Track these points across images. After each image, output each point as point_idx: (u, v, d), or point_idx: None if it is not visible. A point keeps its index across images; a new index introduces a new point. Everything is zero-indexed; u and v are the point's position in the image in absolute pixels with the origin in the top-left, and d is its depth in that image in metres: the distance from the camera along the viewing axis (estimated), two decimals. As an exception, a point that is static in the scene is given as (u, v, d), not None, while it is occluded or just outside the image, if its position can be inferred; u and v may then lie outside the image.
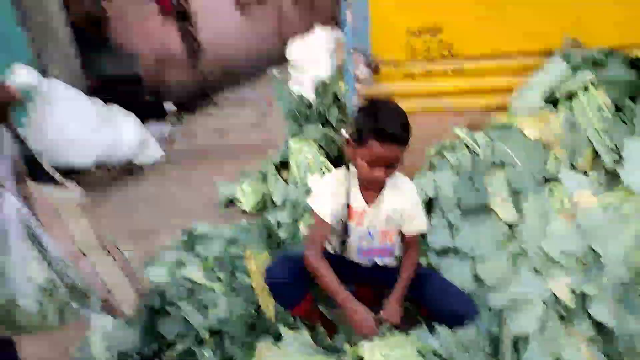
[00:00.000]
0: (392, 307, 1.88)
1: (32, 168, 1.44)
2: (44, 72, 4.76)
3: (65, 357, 2.31)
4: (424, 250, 2.46)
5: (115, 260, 1.80)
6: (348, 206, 1.92)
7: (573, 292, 1.85)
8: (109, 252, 1.77)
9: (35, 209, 1.37)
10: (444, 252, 2.33)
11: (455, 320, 1.98)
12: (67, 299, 1.40)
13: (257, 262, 2.37)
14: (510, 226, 2.22)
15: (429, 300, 2.02)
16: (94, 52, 5.91)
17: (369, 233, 1.99)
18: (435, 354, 1.74)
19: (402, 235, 2.05)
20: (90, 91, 5.40)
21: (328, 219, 1.89)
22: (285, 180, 3.71)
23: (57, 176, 1.53)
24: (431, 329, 1.81)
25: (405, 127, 1.71)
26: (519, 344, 1.89)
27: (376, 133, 1.66)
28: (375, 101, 1.91)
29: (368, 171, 1.75)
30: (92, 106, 4.68)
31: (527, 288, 1.94)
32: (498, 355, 1.93)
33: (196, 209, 3.95)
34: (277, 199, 3.50)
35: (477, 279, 2.16)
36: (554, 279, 1.89)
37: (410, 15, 2.81)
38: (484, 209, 2.32)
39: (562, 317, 1.86)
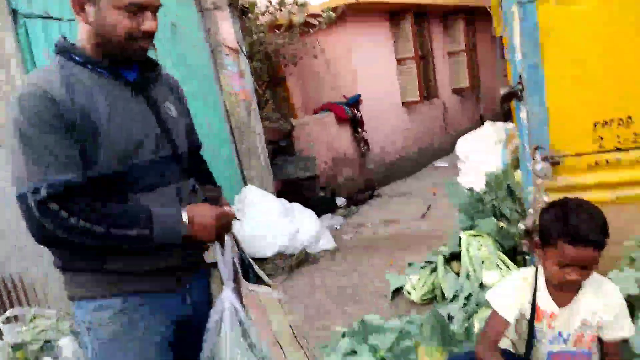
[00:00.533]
0: None
1: (243, 269, 1.66)
2: (244, 182, 5.79)
3: None
4: (627, 358, 2.10)
5: (305, 353, 1.92)
6: (534, 306, 1.80)
7: None
8: (300, 345, 1.90)
9: (244, 304, 1.56)
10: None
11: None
12: None
13: (429, 356, 2.31)
14: None
15: None
16: (281, 159, 6.92)
17: (559, 334, 1.81)
18: None
19: (600, 340, 1.81)
20: (277, 192, 6.26)
21: (506, 317, 1.78)
22: (457, 273, 3.62)
23: (262, 275, 1.73)
24: None
25: (601, 228, 1.58)
26: None
27: (568, 235, 1.56)
28: (565, 200, 1.76)
29: (559, 274, 1.63)
30: (278, 204, 5.38)
31: None
32: None
33: (365, 298, 4.06)
34: (448, 292, 3.40)
35: None
36: None
37: (598, 106, 2.68)
38: None
39: None
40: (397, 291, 3.95)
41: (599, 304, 1.72)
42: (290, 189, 6.64)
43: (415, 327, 2.87)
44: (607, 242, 1.58)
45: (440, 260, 3.74)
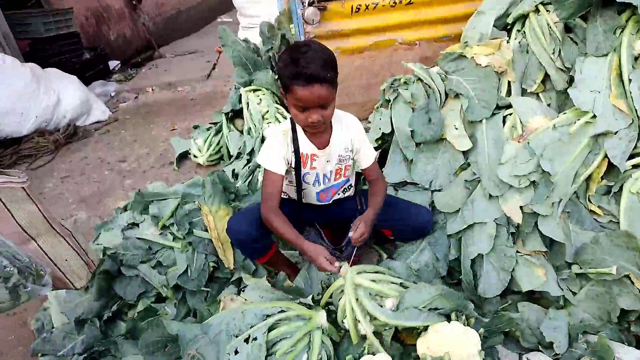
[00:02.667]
0: (360, 228, 1.79)
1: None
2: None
3: (24, 328, 2.23)
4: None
5: (64, 238, 1.71)
6: (298, 154, 1.87)
7: (524, 212, 1.88)
8: (57, 232, 1.69)
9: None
10: (401, 185, 2.33)
11: (418, 230, 2.05)
12: (21, 280, 1.40)
13: (213, 215, 2.29)
14: (465, 155, 2.21)
15: (392, 220, 2.05)
16: (24, 13, 5.43)
17: (324, 175, 1.96)
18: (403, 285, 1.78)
19: (359, 174, 2.03)
20: (24, 55, 5.02)
21: (276, 170, 1.83)
22: (241, 131, 3.60)
23: None
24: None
25: (327, 64, 1.59)
26: (476, 263, 1.94)
27: (296, 77, 1.56)
28: (294, 45, 1.72)
29: (303, 117, 1.67)
30: (26, 70, 4.31)
31: (481, 212, 1.96)
32: (456, 276, 1.99)
33: (150, 169, 3.80)
34: (233, 150, 3.39)
35: (434, 208, 2.17)
36: (506, 201, 1.91)
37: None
38: (440, 141, 2.30)
39: (514, 235, 1.90)
40: (184, 157, 3.79)
41: (348, 137, 1.91)
42: (42, 51, 5.40)
43: (198, 189, 2.81)
44: (337, 79, 1.64)
45: (223, 119, 3.64)
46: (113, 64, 6.63)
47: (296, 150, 1.85)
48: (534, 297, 1.88)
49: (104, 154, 4.17)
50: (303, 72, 1.54)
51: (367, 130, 2.84)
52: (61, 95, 4.42)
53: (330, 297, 1.85)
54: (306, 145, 1.85)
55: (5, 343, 2.19)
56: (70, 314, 2.10)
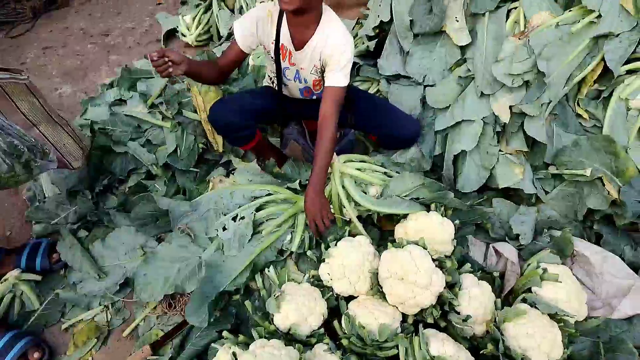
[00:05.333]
0: (309, 199, 1.71)
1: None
2: None
3: (15, 196, 2.30)
4: (374, 79, 2.41)
5: (61, 126, 1.85)
6: (278, 43, 1.79)
7: (512, 111, 1.90)
8: (55, 120, 1.82)
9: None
10: (394, 78, 2.29)
11: (402, 142, 2.07)
12: (31, 156, 1.55)
13: (203, 97, 2.26)
14: (462, 50, 2.15)
15: (379, 127, 2.06)
16: None
17: (304, 79, 1.91)
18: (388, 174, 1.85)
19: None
20: None
21: (238, 41, 1.78)
22: (232, 10, 3.39)
23: None
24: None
25: None
26: (458, 160, 2.00)
27: None
28: None
29: None
30: None
31: (471, 110, 1.97)
32: (438, 172, 2.06)
33: (135, 45, 3.63)
34: (223, 30, 3.24)
35: (424, 104, 2.17)
36: (497, 100, 1.92)
37: None
38: (438, 34, 2.22)
39: (498, 134, 1.94)
40: (171, 35, 3.60)
41: (324, 47, 1.74)
42: None
43: (188, 69, 2.72)
44: None
45: (213, -5, 3.41)
46: None
47: (277, 39, 1.77)
48: (509, 194, 1.98)
49: (86, 25, 3.94)
50: None
51: (365, 17, 2.72)
52: (35, -45, 4.02)
53: None
54: (286, 38, 1.77)
55: (0, 209, 2.27)
56: (62, 186, 2.16)
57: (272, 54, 1.83)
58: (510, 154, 1.92)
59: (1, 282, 1.83)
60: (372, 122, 2.06)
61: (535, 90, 1.86)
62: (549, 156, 1.87)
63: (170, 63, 1.55)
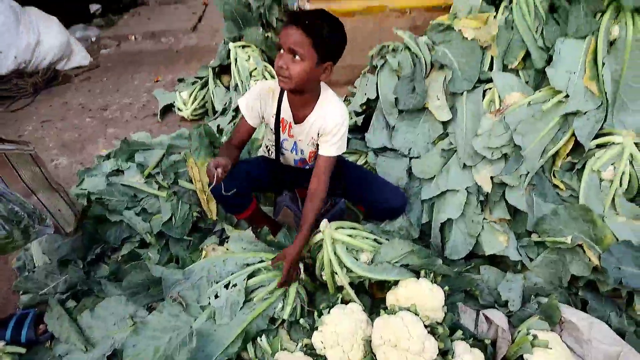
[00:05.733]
0: (294, 251, 1.81)
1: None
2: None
3: (4, 266, 2.29)
4: (362, 152, 2.55)
5: (58, 193, 1.95)
6: (279, 117, 1.91)
7: (494, 182, 2.01)
8: (54, 188, 1.92)
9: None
10: (381, 150, 2.42)
11: (390, 213, 2.15)
12: (30, 222, 1.63)
13: (199, 167, 2.35)
14: (444, 125, 2.31)
15: (367, 199, 2.14)
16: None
17: (301, 150, 2.01)
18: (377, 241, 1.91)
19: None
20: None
21: (246, 117, 1.90)
22: (227, 87, 3.60)
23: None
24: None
25: (317, 15, 1.60)
26: (445, 228, 2.08)
27: (285, 16, 1.61)
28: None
29: (277, 60, 1.66)
30: (4, 6, 4.14)
31: (455, 181, 2.08)
32: (426, 240, 2.13)
33: (133, 119, 3.78)
34: (218, 105, 3.41)
35: (410, 174, 2.28)
36: (478, 171, 2.04)
37: None
38: (421, 110, 2.39)
39: (482, 203, 2.04)
40: (167, 109, 3.78)
41: (322, 122, 1.84)
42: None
43: (185, 142, 2.84)
44: (325, 46, 1.61)
45: (210, 73, 3.63)
46: (94, 7, 6.39)
47: (277, 113, 1.89)
48: (495, 261, 2.04)
49: (85, 100, 4.12)
50: (292, 12, 1.58)
51: (352, 95, 2.92)
52: (42, 36, 4.29)
53: (309, 251, 1.97)
54: (286, 112, 1.88)
55: (-13, 280, 2.25)
56: (53, 255, 2.17)
57: (272, 127, 1.94)
58: (494, 222, 2.00)
59: (-16, 355, 1.78)
60: (360, 193, 2.15)
61: (513, 162, 1.99)
62: (530, 224, 1.96)
63: (221, 170, 1.70)
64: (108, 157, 2.83)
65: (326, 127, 1.83)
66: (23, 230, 1.60)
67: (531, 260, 1.96)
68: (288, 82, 1.67)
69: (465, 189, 2.05)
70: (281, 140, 1.98)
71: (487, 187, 2.01)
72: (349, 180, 2.17)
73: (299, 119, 1.88)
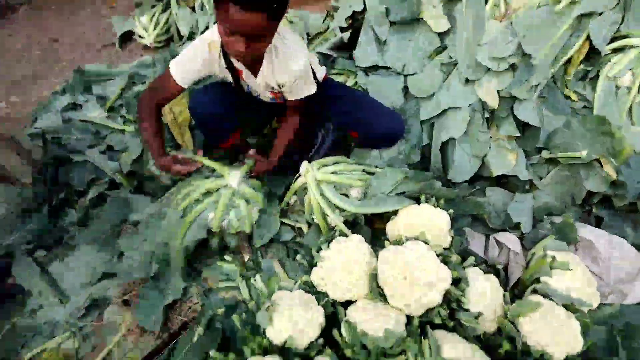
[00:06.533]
0: (264, 163, 1.82)
1: None
2: None
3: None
4: (351, 71, 2.30)
5: (3, 142, 1.78)
6: (234, 70, 1.67)
7: (500, 96, 1.82)
8: None
9: None
10: (372, 69, 2.18)
11: (387, 139, 1.95)
12: None
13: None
14: (441, 37, 2.07)
15: (361, 124, 1.92)
16: None
17: (260, 93, 1.81)
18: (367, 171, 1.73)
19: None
20: None
21: (180, 81, 1.61)
22: (192, 8, 3.21)
23: None
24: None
25: None
26: (447, 149, 1.90)
27: None
28: None
29: (228, 42, 1.39)
30: None
31: (456, 97, 1.88)
32: (428, 164, 1.96)
33: (89, 50, 3.38)
34: (184, 29, 3.05)
35: (406, 94, 2.07)
36: (482, 85, 1.83)
37: None
38: (415, 21, 2.13)
39: (487, 121, 1.86)
40: (127, 38, 3.38)
41: (278, 76, 1.65)
42: None
43: (149, 70, 2.53)
44: (283, 11, 1.37)
45: (171, -6, 3.22)
46: None
47: (230, 67, 1.64)
48: (501, 182, 1.89)
49: (33, 32, 3.65)
50: None
51: (335, 9, 2.61)
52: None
53: (295, 193, 1.79)
54: (237, 62, 1.64)
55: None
56: (14, 203, 1.92)
57: (230, 78, 1.71)
58: (502, 139, 1.84)
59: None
60: (352, 118, 1.93)
61: (522, 73, 1.79)
62: (541, 140, 1.80)
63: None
64: (63, 91, 2.51)
65: (283, 82, 1.65)
66: None
67: (540, 179, 1.82)
68: (248, 60, 1.54)
69: (469, 105, 1.85)
70: (247, 86, 1.77)
71: (493, 103, 1.81)
72: (339, 105, 1.94)
73: (252, 72, 1.67)
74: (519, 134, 1.81)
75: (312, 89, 1.75)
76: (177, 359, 1.44)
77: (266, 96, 1.82)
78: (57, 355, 1.56)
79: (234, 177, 1.69)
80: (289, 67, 1.60)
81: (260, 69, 1.64)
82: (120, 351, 1.56)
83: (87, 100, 2.21)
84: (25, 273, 1.69)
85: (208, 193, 1.66)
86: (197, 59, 1.59)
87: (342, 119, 1.99)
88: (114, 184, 2.05)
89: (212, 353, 1.31)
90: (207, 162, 1.69)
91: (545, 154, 1.79)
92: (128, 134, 2.10)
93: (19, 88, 2.96)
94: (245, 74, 1.69)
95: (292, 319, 1.34)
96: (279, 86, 1.70)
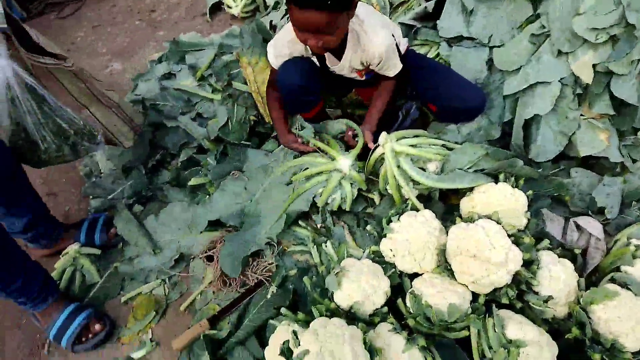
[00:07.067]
0: (368, 134, 1.82)
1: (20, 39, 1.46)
2: None
3: (73, 172, 2.34)
4: (434, 42, 2.23)
5: (112, 109, 1.88)
6: (319, 55, 1.76)
7: (596, 71, 1.69)
8: (105, 104, 1.84)
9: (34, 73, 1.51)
10: (456, 40, 2.10)
11: (466, 113, 1.90)
12: (78, 139, 1.65)
13: (253, 67, 2.18)
14: (534, 5, 1.94)
15: (440, 97, 1.89)
16: None
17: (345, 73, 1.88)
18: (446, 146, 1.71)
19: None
20: None
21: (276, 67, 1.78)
22: (277, -22, 3.26)
23: (45, 45, 1.55)
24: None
25: None
26: (531, 126, 1.82)
27: None
28: None
29: (300, 37, 1.50)
30: None
31: (546, 71, 1.77)
32: (508, 142, 1.89)
33: (181, 19, 3.59)
34: (270, 0, 3.12)
35: (491, 67, 1.98)
36: (577, 58, 1.71)
37: None
38: (505, -11, 2.01)
39: (579, 97, 1.74)
40: (216, 8, 3.53)
41: (364, 59, 1.72)
42: None
43: (237, 40, 2.65)
44: (340, 6, 1.38)
45: (258, -37, 3.28)
46: None
47: (314, 52, 1.74)
48: (588, 163, 1.78)
49: (132, 2, 3.94)
50: None
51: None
52: None
53: (374, 167, 1.82)
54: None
55: (57, 185, 2.31)
56: (117, 162, 2.17)
57: (316, 61, 1.81)
58: (593, 118, 1.71)
59: (62, 256, 1.85)
60: (431, 90, 1.90)
61: (623, 45, 1.64)
62: (638, 119, 1.65)
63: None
64: (160, 60, 2.72)
65: (370, 60, 1.70)
66: (71, 146, 1.62)
67: (634, 162, 1.69)
68: (323, 51, 1.58)
69: (559, 80, 1.74)
70: (327, 66, 1.84)
71: (587, 78, 1.69)
72: (419, 77, 1.92)
73: (337, 56, 1.75)
74: (613, 113, 1.67)
75: (398, 67, 1.79)
76: (252, 312, 1.58)
77: (350, 75, 1.86)
78: (150, 299, 1.78)
79: (344, 163, 1.77)
80: (372, 50, 1.66)
81: (344, 54, 1.71)
82: (203, 301, 1.74)
83: (181, 70, 2.38)
84: (125, 225, 1.91)
85: (320, 173, 1.78)
86: (285, 48, 1.72)
87: (421, 92, 1.96)
88: (201, 148, 2.22)
89: (283, 310, 1.42)
90: (321, 145, 1.83)
91: (643, 135, 1.66)
92: (216, 102, 2.24)
93: (121, 56, 3.24)
94: (330, 59, 1.78)
95: (360, 286, 1.41)
96: (364, 64, 1.75)
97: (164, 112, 2.27)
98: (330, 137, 1.89)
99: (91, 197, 2.16)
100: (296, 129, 1.93)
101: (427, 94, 1.94)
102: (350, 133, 1.85)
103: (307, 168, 1.81)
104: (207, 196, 1.96)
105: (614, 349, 1.22)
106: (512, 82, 1.85)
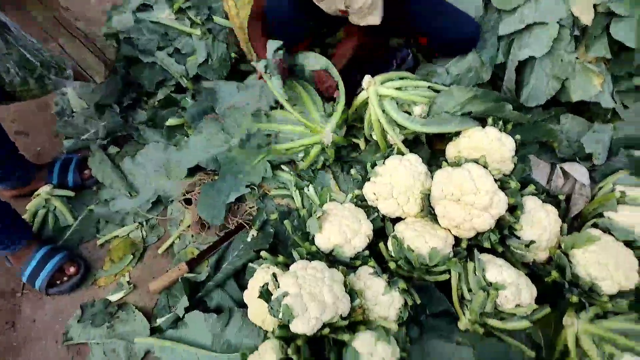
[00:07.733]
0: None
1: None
2: None
3: (46, 111, 2.22)
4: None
5: (79, 40, 1.74)
6: None
7: (597, 11, 1.60)
8: (73, 35, 1.71)
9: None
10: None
11: (459, 44, 1.80)
12: (45, 71, 1.54)
13: (236, 1, 2.04)
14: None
15: (432, 26, 1.77)
16: None
17: None
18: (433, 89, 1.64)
19: None
20: None
21: None
22: None
23: None
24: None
25: None
26: (525, 69, 1.75)
27: None
28: None
29: None
30: None
31: (545, 11, 1.67)
32: (498, 85, 1.82)
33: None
34: None
35: (487, 5, 1.87)
36: (577, -3, 1.62)
37: None
38: None
39: (576, 39, 1.66)
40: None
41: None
42: None
43: (216, -29, 2.46)
44: None
45: None
46: None
47: None
48: (579, 109, 1.74)
49: None
50: None
51: None
52: None
53: (356, 111, 1.74)
54: None
55: (30, 123, 2.20)
56: (89, 100, 2.05)
57: None
58: (589, 62, 1.65)
59: (33, 198, 1.78)
60: (422, 20, 1.77)
61: (626, -18, 1.55)
62: (636, 63, 1.59)
63: None
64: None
65: (349, 4, 1.54)
66: (37, 79, 1.52)
67: (625, 108, 1.65)
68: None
69: (557, 21, 1.65)
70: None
71: (586, 19, 1.60)
72: (411, 6, 1.79)
73: None
74: (610, 57, 1.61)
75: (376, 19, 1.60)
76: (232, 255, 1.56)
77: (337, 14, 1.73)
78: (126, 242, 1.74)
79: (327, 133, 1.69)
80: None
81: None
82: (181, 244, 1.71)
83: (157, 1, 2.21)
84: (100, 166, 1.83)
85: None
86: None
87: (413, 22, 1.85)
88: (180, 87, 2.11)
89: (263, 253, 1.39)
90: (299, 117, 1.73)
91: (637, 80, 1.60)
92: (195, 37, 2.10)
93: (94, -12, 3.02)
94: None
95: (341, 229, 1.38)
96: (346, 7, 1.60)
97: (139, 46, 2.13)
98: (305, 90, 1.78)
99: (64, 137, 2.06)
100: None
101: (416, 25, 1.82)
102: (329, 83, 1.75)
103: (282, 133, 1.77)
104: (185, 137, 1.88)
105: (592, 292, 1.23)
106: (508, 22, 1.75)
